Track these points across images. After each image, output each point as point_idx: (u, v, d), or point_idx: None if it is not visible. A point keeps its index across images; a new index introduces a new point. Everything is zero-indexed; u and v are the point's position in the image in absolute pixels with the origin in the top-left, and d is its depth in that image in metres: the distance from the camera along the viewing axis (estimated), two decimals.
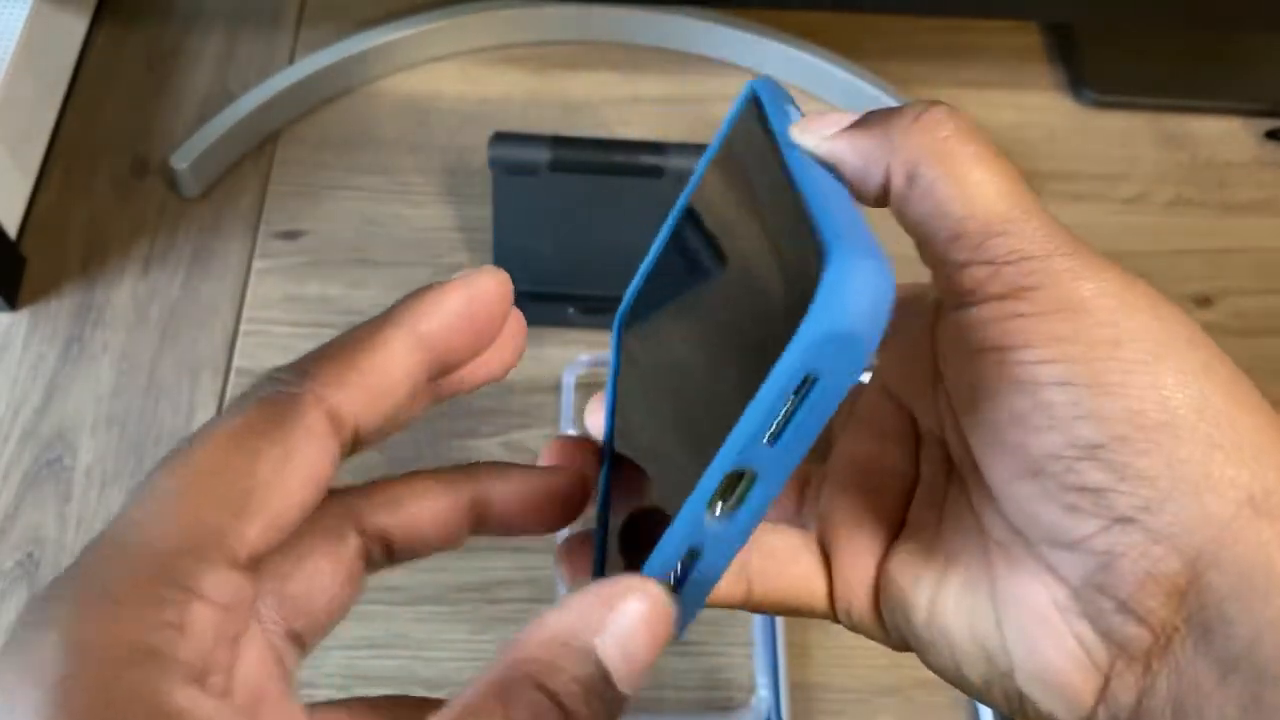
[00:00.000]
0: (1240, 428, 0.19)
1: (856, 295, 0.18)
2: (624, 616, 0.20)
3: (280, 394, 0.21)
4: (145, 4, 0.70)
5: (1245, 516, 0.19)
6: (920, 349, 0.26)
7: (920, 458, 0.26)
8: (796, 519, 0.27)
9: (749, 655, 0.49)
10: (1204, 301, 0.62)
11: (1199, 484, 0.19)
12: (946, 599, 0.23)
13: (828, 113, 0.23)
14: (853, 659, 0.50)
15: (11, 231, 0.59)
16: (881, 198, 0.23)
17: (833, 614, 0.25)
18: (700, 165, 0.27)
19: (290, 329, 0.57)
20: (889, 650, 0.25)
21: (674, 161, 0.54)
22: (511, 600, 0.50)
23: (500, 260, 0.58)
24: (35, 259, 0.59)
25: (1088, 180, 0.67)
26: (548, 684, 0.19)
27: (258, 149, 0.64)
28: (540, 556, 0.51)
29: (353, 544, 0.25)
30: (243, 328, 0.57)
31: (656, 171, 0.54)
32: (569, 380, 0.56)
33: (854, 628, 0.25)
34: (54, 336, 0.57)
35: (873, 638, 0.25)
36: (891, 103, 0.66)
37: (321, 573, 0.24)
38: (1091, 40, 0.71)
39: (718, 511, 0.20)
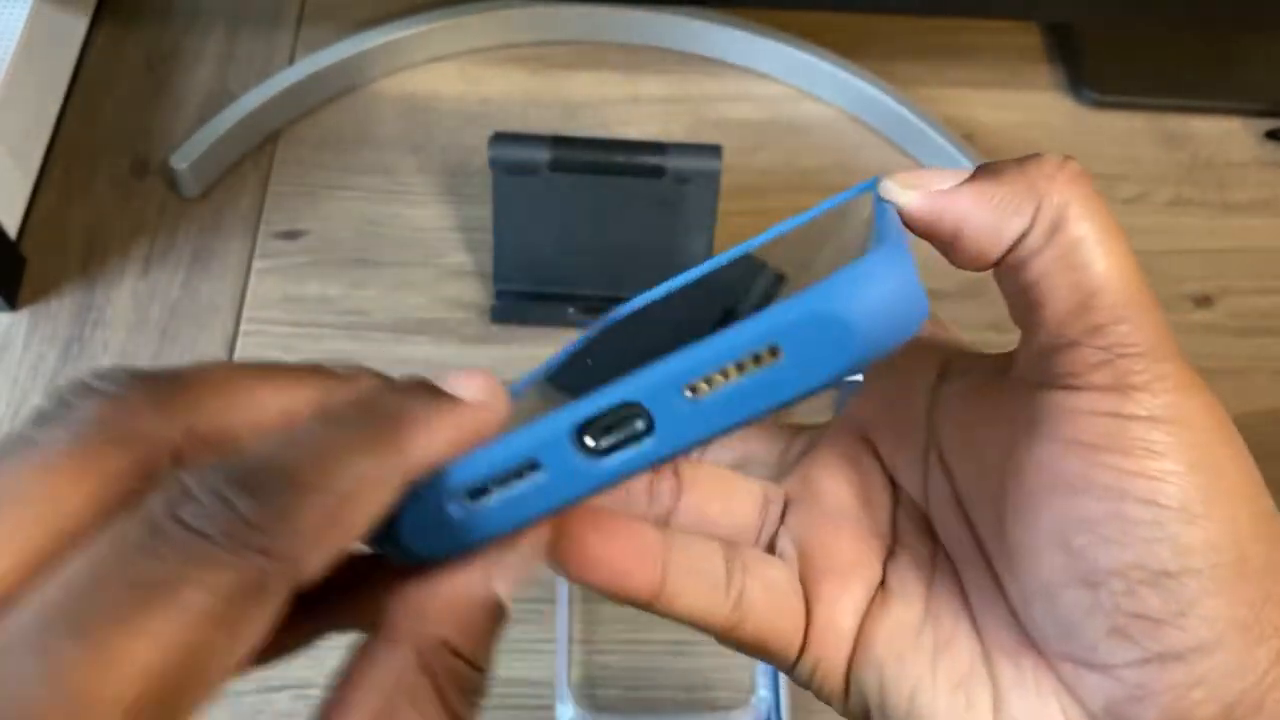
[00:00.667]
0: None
1: (868, 289, 0.16)
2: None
3: (257, 556, 0.15)
4: (145, 4, 0.70)
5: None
6: (913, 409, 0.24)
7: (897, 520, 0.25)
8: (758, 528, 0.25)
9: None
10: (1204, 301, 0.62)
11: (1252, 631, 0.18)
12: (936, 699, 0.21)
13: (931, 168, 0.22)
14: None
15: (11, 232, 0.59)
16: (1000, 256, 0.21)
17: (791, 664, 0.23)
18: (782, 227, 0.25)
19: (290, 329, 0.57)
20: None
21: (674, 161, 0.54)
22: (511, 600, 0.50)
23: (500, 260, 0.58)
24: (35, 259, 0.59)
25: None
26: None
27: (258, 149, 0.64)
28: None
29: None
30: (243, 328, 0.57)
31: (657, 171, 0.54)
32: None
33: (809, 685, 0.23)
34: (54, 336, 0.57)
35: (827, 701, 0.23)
36: (892, 103, 0.66)
37: None
38: (1092, 40, 0.71)
39: (588, 442, 0.18)
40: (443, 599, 0.18)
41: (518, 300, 0.58)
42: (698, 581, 0.22)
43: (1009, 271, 0.21)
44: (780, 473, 0.26)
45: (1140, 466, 0.19)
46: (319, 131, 0.65)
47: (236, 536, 0.15)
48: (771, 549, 0.25)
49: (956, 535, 0.23)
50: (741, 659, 0.49)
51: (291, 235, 0.61)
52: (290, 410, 0.18)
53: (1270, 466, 0.63)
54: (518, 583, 0.20)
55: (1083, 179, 0.21)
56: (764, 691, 0.48)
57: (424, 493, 0.18)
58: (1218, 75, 0.71)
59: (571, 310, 0.57)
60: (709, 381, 0.17)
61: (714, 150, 0.54)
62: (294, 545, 0.15)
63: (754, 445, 0.27)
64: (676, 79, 0.69)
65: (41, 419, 0.16)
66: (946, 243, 0.22)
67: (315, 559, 0.16)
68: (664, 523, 0.24)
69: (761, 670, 0.49)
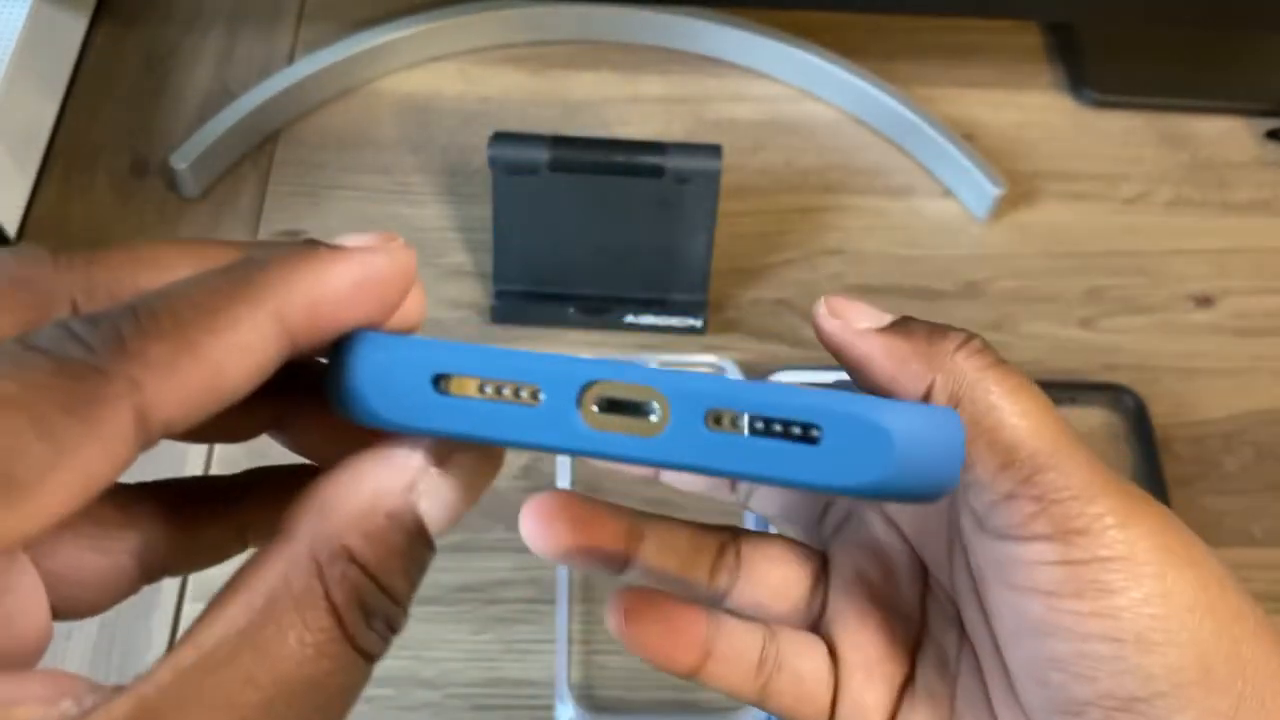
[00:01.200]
0: (1263, 674, 0.20)
1: (926, 427, 0.18)
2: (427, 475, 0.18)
3: (83, 366, 0.15)
4: (145, 4, 0.70)
5: None
6: (940, 506, 0.25)
7: (927, 607, 0.26)
8: (805, 612, 0.27)
9: None
10: (1204, 301, 0.62)
11: None
12: None
13: (855, 301, 0.23)
14: None
15: (11, 231, 0.59)
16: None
17: None
18: None
19: None
20: None
21: (674, 161, 0.54)
22: (512, 600, 0.50)
23: (500, 260, 0.58)
24: None
25: (1088, 180, 0.66)
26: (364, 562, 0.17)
27: (257, 149, 0.64)
28: (539, 557, 0.51)
29: (128, 543, 0.21)
30: None
31: (657, 171, 0.54)
32: None
33: None
34: None
35: None
36: (892, 103, 0.66)
37: (85, 566, 0.20)
38: (1092, 40, 0.71)
39: (592, 406, 0.18)
40: (352, 500, 0.17)
41: (518, 300, 0.58)
42: (733, 668, 0.25)
43: None
44: (820, 536, 0.28)
45: (1095, 607, 0.20)
46: (319, 131, 0.65)
47: (63, 349, 0.15)
48: (816, 626, 0.27)
49: (980, 632, 0.24)
50: None
51: (291, 235, 0.61)
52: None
53: (1270, 466, 0.63)
54: (447, 515, 0.18)
55: (981, 355, 0.22)
56: None
57: (408, 355, 0.18)
58: (1218, 75, 0.71)
59: (572, 310, 0.57)
60: (735, 422, 0.17)
61: (714, 150, 0.54)
62: (129, 367, 0.15)
63: (795, 499, 0.29)
64: (676, 79, 0.69)
65: None
66: (850, 370, 0.23)
67: (166, 390, 0.16)
68: (720, 599, 0.27)
69: None
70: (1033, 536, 0.21)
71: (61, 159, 0.63)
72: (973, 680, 0.24)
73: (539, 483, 0.53)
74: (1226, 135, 0.69)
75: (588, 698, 0.48)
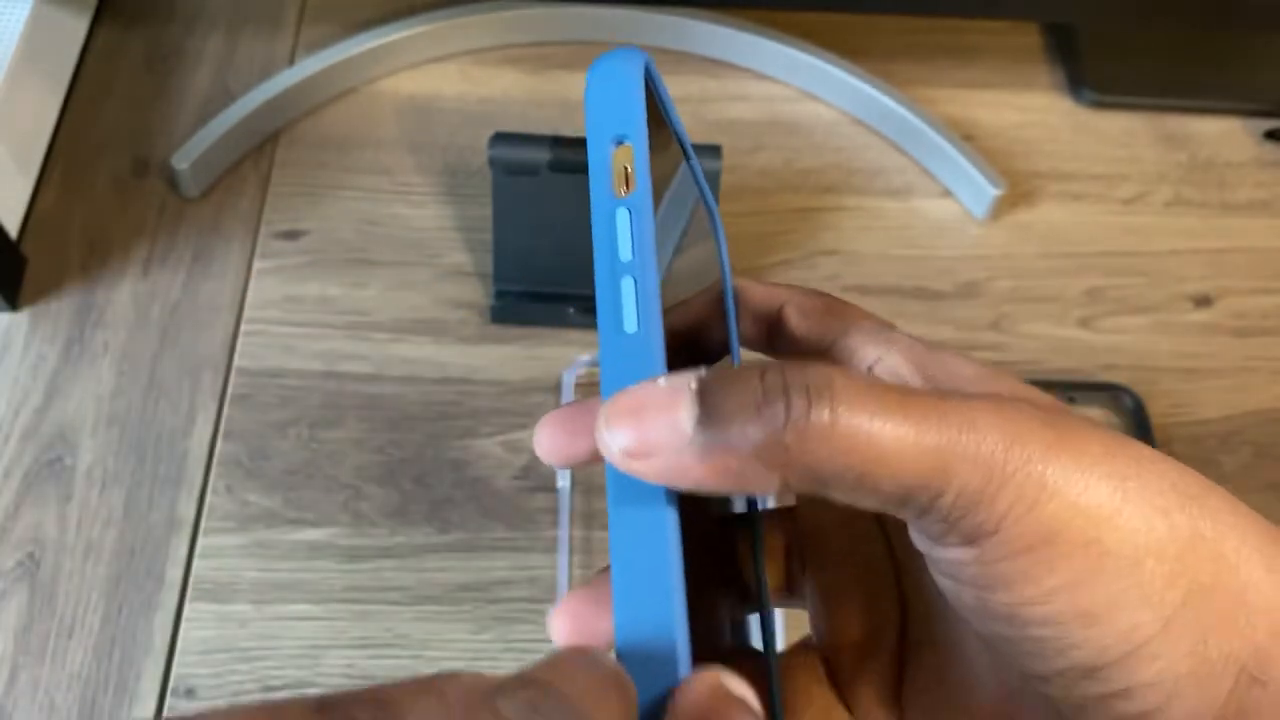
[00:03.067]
0: (1231, 589, 0.19)
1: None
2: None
3: None
4: (146, 4, 0.71)
5: (1242, 686, 0.19)
6: None
7: (895, 550, 0.25)
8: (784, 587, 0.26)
9: None
10: (1203, 301, 0.62)
11: (1199, 674, 0.19)
12: None
13: (635, 405, 0.19)
14: None
15: (12, 231, 0.59)
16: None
17: None
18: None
19: (290, 329, 0.57)
20: None
21: None
22: (511, 600, 0.50)
23: (500, 260, 0.58)
24: (36, 259, 0.59)
25: (1087, 180, 0.67)
26: None
27: (258, 149, 0.64)
28: (540, 556, 0.51)
29: None
30: (243, 328, 0.57)
31: None
32: (569, 380, 0.56)
33: None
34: (54, 336, 0.57)
35: None
36: (892, 104, 0.66)
37: None
38: (1091, 40, 0.71)
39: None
40: None
41: (517, 300, 0.58)
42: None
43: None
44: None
45: (1024, 596, 0.19)
46: (319, 132, 0.65)
47: None
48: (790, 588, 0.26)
49: (954, 592, 0.23)
50: None
51: (292, 235, 0.61)
52: None
53: (1268, 466, 0.63)
54: None
55: (822, 417, 0.18)
56: None
57: None
58: (1217, 75, 0.71)
59: (571, 310, 0.58)
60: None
61: (714, 150, 0.54)
62: None
63: None
64: (676, 79, 0.69)
65: None
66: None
67: None
68: None
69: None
70: (947, 545, 0.19)
71: (62, 159, 0.63)
72: (959, 651, 0.23)
73: (539, 483, 0.53)
74: (1225, 135, 0.69)
75: None
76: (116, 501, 0.52)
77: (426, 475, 0.53)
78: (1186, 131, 0.69)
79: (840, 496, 0.19)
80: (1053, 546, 0.18)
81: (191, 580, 0.50)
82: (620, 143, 0.23)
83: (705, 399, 0.18)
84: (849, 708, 0.25)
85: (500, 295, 0.58)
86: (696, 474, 0.18)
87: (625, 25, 0.69)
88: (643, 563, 0.20)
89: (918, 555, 0.23)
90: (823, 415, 0.18)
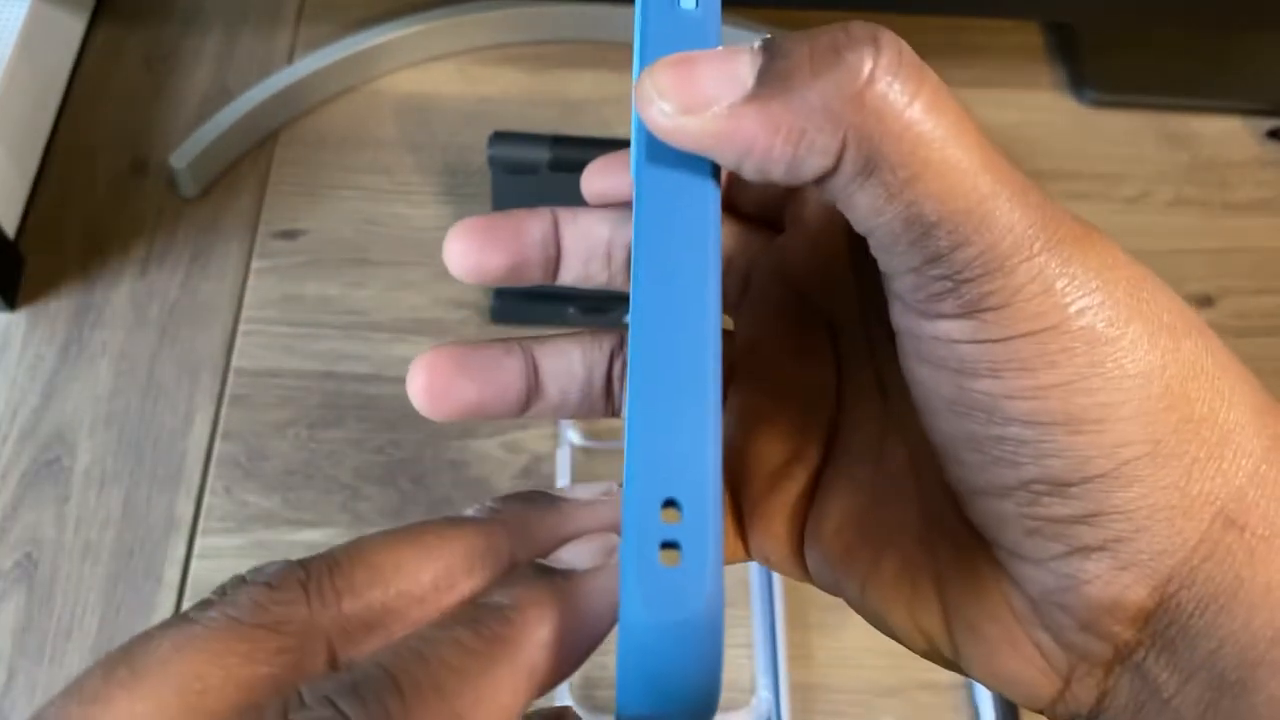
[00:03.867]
0: (1222, 426, 0.17)
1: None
2: None
3: None
4: (144, 3, 0.70)
5: (1216, 529, 0.18)
6: (832, 228, 0.22)
7: (843, 376, 0.23)
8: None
9: (749, 655, 0.49)
10: (1205, 301, 0.62)
11: (1174, 509, 0.17)
12: (882, 582, 0.21)
13: (695, 56, 0.17)
14: (854, 660, 0.50)
15: (10, 231, 0.59)
16: (799, 185, 0.18)
17: (745, 552, 0.22)
18: None
19: (289, 329, 0.57)
20: (891, 651, 0.25)
21: None
22: None
23: None
24: (34, 259, 0.59)
25: (1089, 180, 0.66)
26: None
27: (257, 148, 0.64)
28: None
29: None
30: (242, 327, 0.57)
31: None
32: None
33: (771, 567, 0.23)
34: (52, 337, 0.56)
35: (796, 579, 0.23)
36: None
37: None
38: (1093, 40, 0.71)
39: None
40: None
41: (517, 300, 0.58)
42: (571, 389, 0.24)
43: (826, 195, 0.18)
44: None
45: (1013, 388, 0.17)
46: (318, 131, 0.65)
47: None
48: None
49: (896, 385, 0.21)
50: (742, 659, 0.49)
51: (290, 235, 0.61)
52: (441, 579, 0.18)
53: None
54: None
55: (899, 87, 0.16)
56: (764, 692, 0.48)
57: None
58: (1219, 74, 0.71)
59: (571, 310, 0.57)
60: None
61: None
62: None
63: None
64: None
65: (203, 604, 0.17)
66: (729, 164, 0.18)
67: None
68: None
69: (762, 670, 0.49)
70: (940, 315, 0.17)
71: (61, 158, 0.63)
72: (897, 454, 0.21)
73: (539, 483, 0.53)
74: (1227, 135, 0.69)
75: (588, 698, 0.48)
76: (114, 502, 0.52)
77: (425, 476, 0.53)
78: (1188, 131, 0.69)
79: (870, 200, 0.17)
80: (1058, 337, 0.17)
81: (190, 581, 0.50)
82: None
83: (770, 49, 0.17)
84: (744, 541, 0.23)
85: (500, 295, 0.58)
86: (750, 132, 0.16)
87: (626, 24, 0.69)
88: (678, 288, 0.17)
89: (873, 359, 0.22)
90: (912, 87, 0.16)
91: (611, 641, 0.19)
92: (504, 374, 0.23)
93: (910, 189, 0.16)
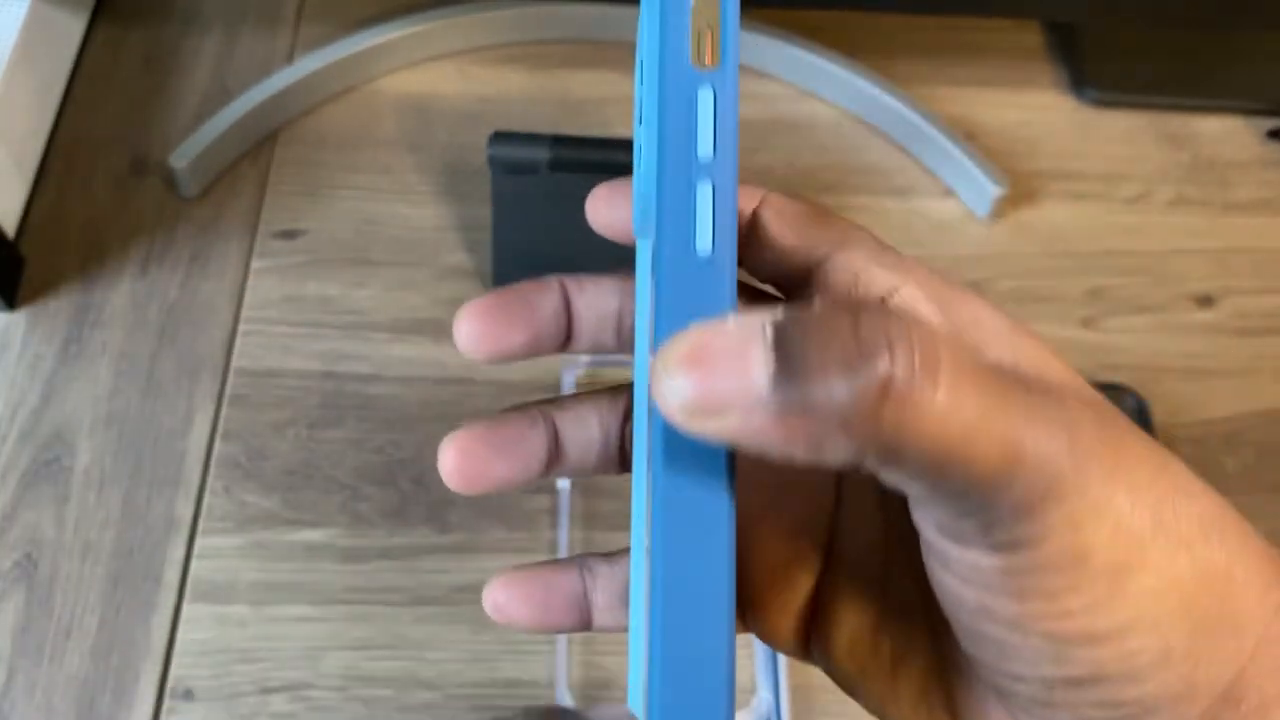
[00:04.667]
0: (1232, 620, 0.18)
1: None
2: None
3: None
4: (144, 3, 0.70)
5: (1215, 705, 0.18)
6: None
7: (842, 484, 0.23)
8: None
9: (749, 655, 0.49)
10: (1205, 301, 0.62)
11: (1179, 697, 0.18)
12: (899, 704, 0.21)
13: (699, 351, 0.16)
14: None
15: (9, 231, 0.58)
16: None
17: (743, 628, 0.23)
18: None
19: (289, 329, 0.57)
20: None
21: None
22: None
23: (499, 260, 0.58)
24: (33, 259, 0.59)
25: (1089, 179, 0.66)
26: None
27: (256, 148, 0.64)
28: (539, 558, 0.51)
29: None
30: (241, 327, 0.57)
31: None
32: (569, 380, 0.56)
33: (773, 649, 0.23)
34: (52, 336, 0.56)
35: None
36: (893, 103, 0.66)
37: None
38: (1093, 39, 0.71)
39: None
40: None
41: None
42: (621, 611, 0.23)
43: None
44: None
45: (1037, 611, 0.18)
46: (318, 131, 0.65)
47: None
48: None
49: (906, 526, 0.21)
50: (742, 659, 0.49)
51: (290, 235, 0.61)
52: None
53: (1272, 466, 0.63)
54: None
55: (910, 387, 0.16)
56: (764, 692, 0.48)
57: None
58: (1220, 74, 0.71)
59: None
60: None
61: None
62: None
63: None
64: None
65: None
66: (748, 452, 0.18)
67: None
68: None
69: (762, 671, 0.49)
70: (970, 546, 0.18)
71: (60, 158, 0.63)
72: (904, 577, 0.22)
73: (539, 483, 0.53)
74: (1228, 135, 0.69)
75: (588, 698, 0.48)
76: (114, 502, 0.52)
77: (425, 476, 0.53)
78: (1189, 131, 0.69)
79: (893, 478, 0.17)
80: (1084, 569, 0.17)
81: (189, 581, 0.50)
82: None
83: (783, 347, 0.16)
84: (744, 621, 0.23)
85: None
86: (770, 436, 0.16)
87: (626, 23, 0.69)
88: (696, 554, 0.17)
89: (876, 507, 0.22)
90: (931, 385, 0.16)
91: (611, 640, 0.19)
92: (530, 447, 0.23)
93: (934, 474, 0.17)
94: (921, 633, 0.22)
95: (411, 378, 0.56)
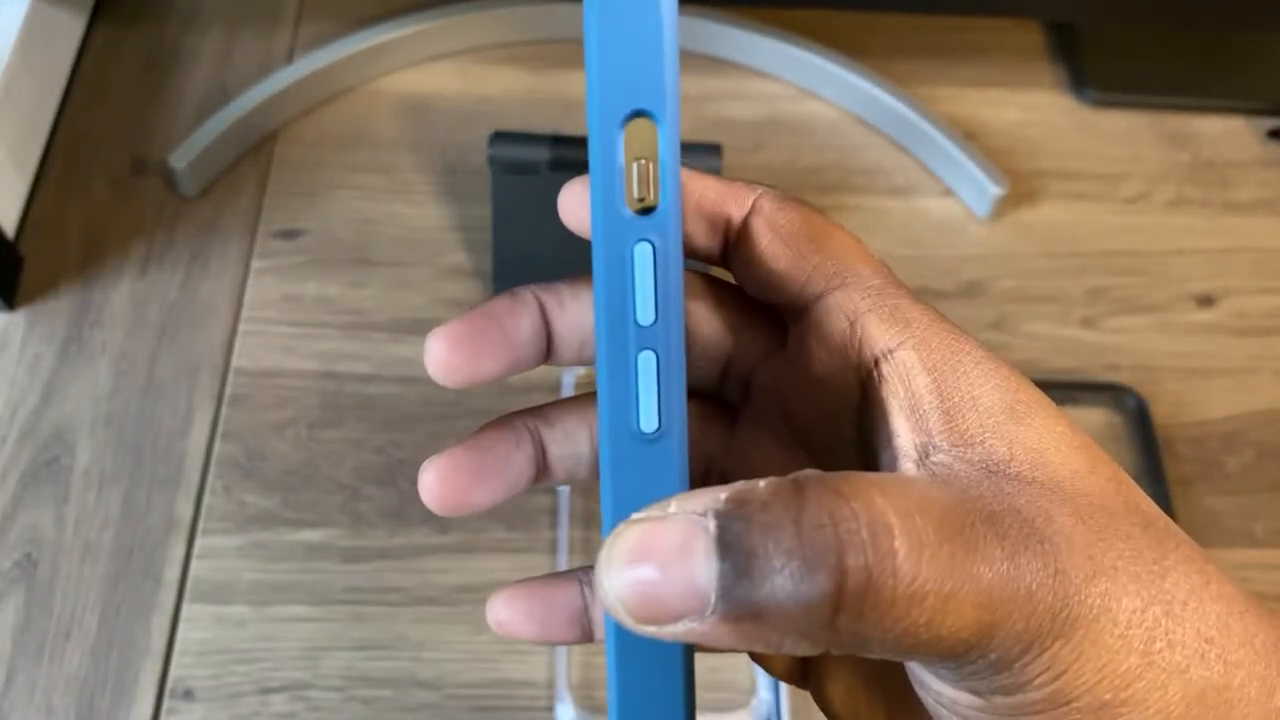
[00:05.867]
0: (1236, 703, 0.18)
1: None
2: None
3: None
4: (143, 3, 0.70)
5: None
6: (839, 394, 0.20)
7: None
8: None
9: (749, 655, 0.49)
10: (1206, 301, 0.62)
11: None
12: None
13: (640, 550, 0.16)
14: None
15: (9, 231, 0.58)
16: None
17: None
18: None
19: (289, 329, 0.57)
20: None
21: None
22: None
23: (500, 260, 0.58)
24: (33, 259, 0.59)
25: (1090, 179, 0.66)
26: None
27: (256, 148, 0.64)
28: (540, 557, 0.51)
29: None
30: (241, 327, 0.57)
31: None
32: (569, 381, 0.56)
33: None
34: (52, 336, 0.56)
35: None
36: (893, 102, 0.66)
37: None
38: (1094, 39, 0.71)
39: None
40: None
41: None
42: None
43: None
44: (717, 441, 0.23)
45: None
46: (318, 130, 0.65)
47: None
48: None
49: None
50: (742, 659, 0.49)
51: (290, 235, 0.61)
52: None
53: (1272, 466, 0.62)
54: None
55: (868, 587, 0.15)
56: (764, 694, 0.48)
57: None
58: (1220, 74, 0.71)
59: None
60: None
61: (714, 149, 0.54)
62: None
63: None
64: None
65: None
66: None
67: None
68: None
69: (761, 670, 0.49)
70: (954, 688, 0.17)
71: (60, 158, 0.63)
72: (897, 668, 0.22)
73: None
74: (1228, 135, 0.69)
75: (588, 698, 0.48)
76: (114, 502, 0.52)
77: None
78: (1189, 131, 0.69)
79: (863, 654, 0.16)
80: (1067, 711, 0.17)
81: (189, 581, 0.50)
82: (637, 117, 0.15)
83: (728, 545, 0.15)
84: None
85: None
86: (721, 639, 0.15)
87: None
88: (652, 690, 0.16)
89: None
90: (885, 581, 0.15)
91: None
92: (513, 468, 0.22)
93: (903, 654, 0.16)
94: (915, 698, 0.21)
95: (411, 378, 0.56)
